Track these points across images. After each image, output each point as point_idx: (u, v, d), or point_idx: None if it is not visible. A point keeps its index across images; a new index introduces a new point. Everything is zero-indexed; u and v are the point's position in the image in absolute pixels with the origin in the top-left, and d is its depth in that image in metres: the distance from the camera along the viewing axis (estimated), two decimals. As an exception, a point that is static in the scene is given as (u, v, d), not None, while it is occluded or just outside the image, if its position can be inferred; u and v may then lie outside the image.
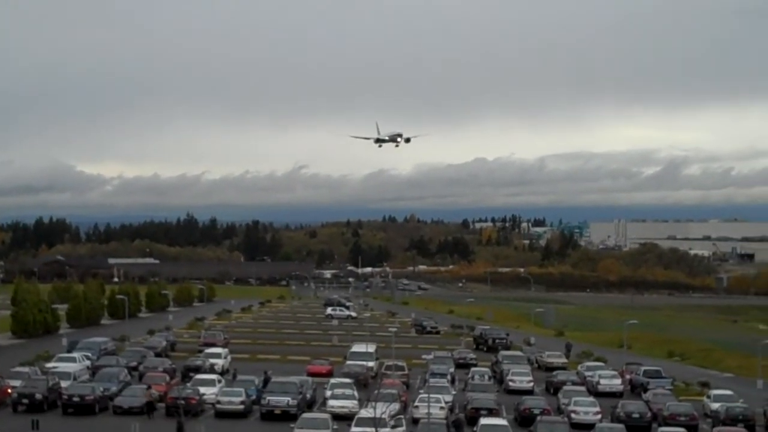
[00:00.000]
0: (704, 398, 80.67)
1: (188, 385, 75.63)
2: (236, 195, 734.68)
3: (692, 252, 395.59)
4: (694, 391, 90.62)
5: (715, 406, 74.84)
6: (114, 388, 74.34)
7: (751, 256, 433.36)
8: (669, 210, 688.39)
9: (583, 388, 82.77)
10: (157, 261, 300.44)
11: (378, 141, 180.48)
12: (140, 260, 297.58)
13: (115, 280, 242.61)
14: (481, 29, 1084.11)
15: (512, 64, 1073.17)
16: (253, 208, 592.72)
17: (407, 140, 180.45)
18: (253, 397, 73.52)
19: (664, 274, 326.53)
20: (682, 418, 69.58)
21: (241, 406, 70.64)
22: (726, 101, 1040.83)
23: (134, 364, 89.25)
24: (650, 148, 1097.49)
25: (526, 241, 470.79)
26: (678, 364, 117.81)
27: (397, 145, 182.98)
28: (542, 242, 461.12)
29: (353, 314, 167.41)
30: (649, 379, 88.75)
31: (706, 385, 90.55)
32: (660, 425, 67.86)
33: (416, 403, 69.70)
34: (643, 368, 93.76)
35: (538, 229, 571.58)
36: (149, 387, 73.44)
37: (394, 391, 70.29)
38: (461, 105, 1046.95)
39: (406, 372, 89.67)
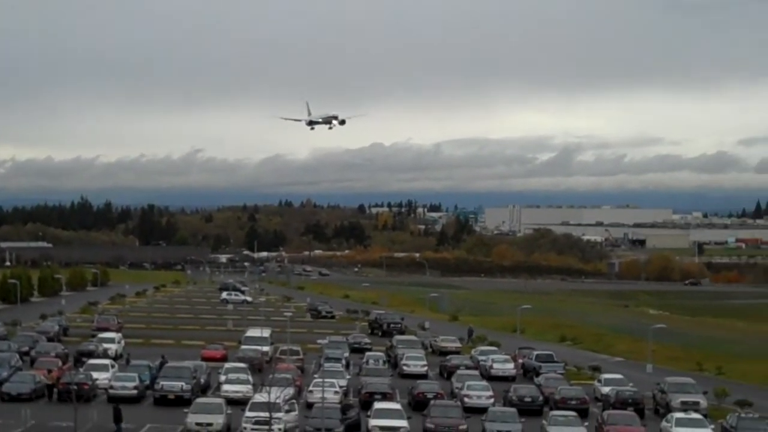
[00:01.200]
0: (595, 382, 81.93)
1: (81, 370, 74.88)
2: (131, 178, 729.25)
3: (585, 238, 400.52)
4: (585, 375, 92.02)
5: (606, 389, 75.98)
6: (5, 374, 73.28)
7: (642, 242, 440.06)
8: (563, 196, 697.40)
9: (476, 373, 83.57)
10: (50, 245, 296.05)
11: (311, 123, 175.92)
12: (32, 244, 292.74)
13: (7, 264, 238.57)
14: (379, 14, 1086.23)
15: (410, 50, 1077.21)
16: (149, 191, 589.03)
17: (342, 122, 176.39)
18: (147, 382, 73.07)
19: (558, 260, 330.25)
20: (573, 402, 70.60)
21: (135, 391, 70.10)
22: (619, 89, 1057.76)
23: (26, 349, 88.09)
24: (545, 135, 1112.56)
25: (422, 227, 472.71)
26: (570, 349, 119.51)
27: (330, 128, 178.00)
28: (438, 227, 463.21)
29: (248, 299, 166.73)
30: (542, 363, 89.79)
31: (597, 369, 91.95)
32: (551, 409, 68.75)
33: (311, 388, 69.77)
34: (535, 353, 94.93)
35: (434, 215, 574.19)
36: (50, 371, 72.80)
37: (288, 376, 70.34)
38: (358, 90, 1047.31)
39: (301, 357, 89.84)
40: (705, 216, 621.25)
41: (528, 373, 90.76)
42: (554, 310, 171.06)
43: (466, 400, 70.82)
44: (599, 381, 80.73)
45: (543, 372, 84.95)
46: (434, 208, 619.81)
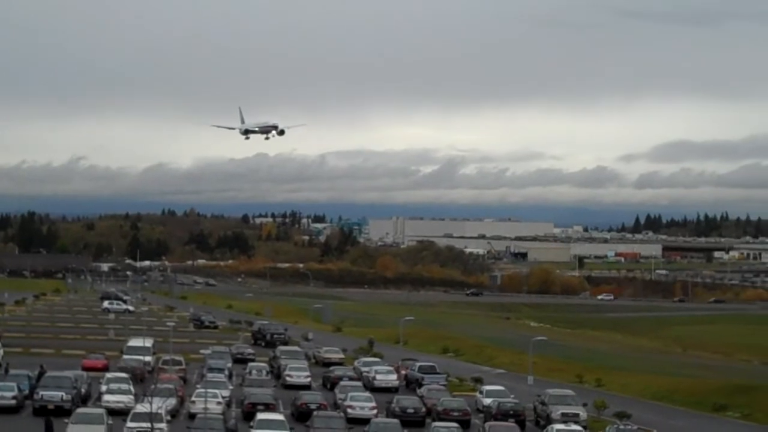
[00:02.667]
0: (477, 394, 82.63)
1: (-42, 380, 73.42)
2: (11, 185, 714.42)
3: (467, 250, 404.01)
4: (467, 386, 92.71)
5: (487, 401, 76.66)
6: None
7: (524, 255, 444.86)
8: (446, 208, 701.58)
9: (359, 384, 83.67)
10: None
11: (246, 133, 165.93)
12: None
13: None
14: (264, 24, 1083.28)
15: (293, 61, 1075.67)
16: (29, 198, 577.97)
17: (281, 132, 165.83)
18: (26, 391, 71.91)
19: (441, 272, 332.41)
20: (455, 413, 71.08)
21: (13, 401, 68.96)
22: (502, 104, 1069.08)
23: None
24: (429, 148, 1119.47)
25: (306, 237, 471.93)
26: (452, 360, 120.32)
27: (267, 138, 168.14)
28: (322, 238, 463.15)
29: (130, 308, 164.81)
30: (424, 374, 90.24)
31: (478, 380, 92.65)
32: (434, 420, 69.16)
33: (193, 398, 69.37)
34: (418, 364, 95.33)
35: (318, 225, 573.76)
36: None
37: (170, 386, 69.86)
38: (242, 100, 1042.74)
39: (184, 367, 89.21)
40: (585, 230, 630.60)
41: (411, 384, 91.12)
42: (437, 322, 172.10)
43: (349, 411, 70.93)
44: (481, 392, 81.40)
45: (425, 383, 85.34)
46: (318, 219, 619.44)
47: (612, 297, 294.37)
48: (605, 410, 77.49)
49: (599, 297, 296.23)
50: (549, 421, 70.00)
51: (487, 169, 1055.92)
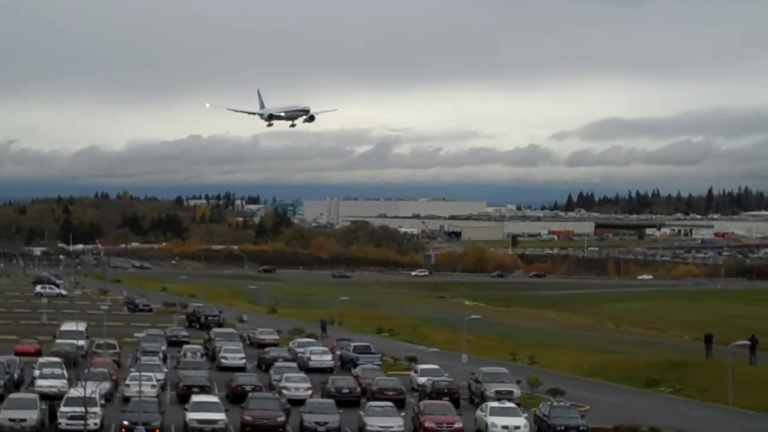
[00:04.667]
0: (411, 373, 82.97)
1: None
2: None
3: (402, 230, 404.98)
4: (402, 365, 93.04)
5: (422, 380, 77.06)
6: None
7: (458, 234, 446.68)
8: (380, 188, 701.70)
9: (294, 365, 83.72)
10: None
11: (270, 118, 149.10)
12: None
13: None
14: (192, 3, 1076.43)
15: (224, 42, 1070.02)
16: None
17: (311, 118, 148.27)
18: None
19: (375, 252, 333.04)
20: (390, 393, 71.41)
21: (-56, 388, 68.38)
22: (436, 84, 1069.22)
23: None
24: (363, 128, 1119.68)
25: (240, 219, 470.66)
26: (387, 340, 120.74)
27: (293, 125, 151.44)
28: (256, 220, 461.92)
29: (63, 292, 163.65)
30: (359, 354, 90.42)
31: (413, 359, 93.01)
32: (369, 400, 69.39)
33: (127, 382, 69.12)
34: (353, 344, 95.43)
35: (252, 207, 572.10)
36: None
37: (104, 370, 69.56)
38: (175, 82, 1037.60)
39: (118, 350, 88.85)
40: (519, 208, 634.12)
41: (345, 364, 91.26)
42: (372, 302, 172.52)
43: (284, 392, 70.96)
44: (415, 371, 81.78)
45: (360, 363, 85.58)
46: (252, 201, 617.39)
47: (543, 274, 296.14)
48: (539, 387, 78.16)
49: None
50: (483, 398, 70.45)
51: (421, 148, 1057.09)
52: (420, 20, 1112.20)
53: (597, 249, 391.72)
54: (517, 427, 61.12)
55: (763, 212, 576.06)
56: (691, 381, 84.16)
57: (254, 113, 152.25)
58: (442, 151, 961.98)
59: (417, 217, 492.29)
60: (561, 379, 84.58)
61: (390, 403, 64.92)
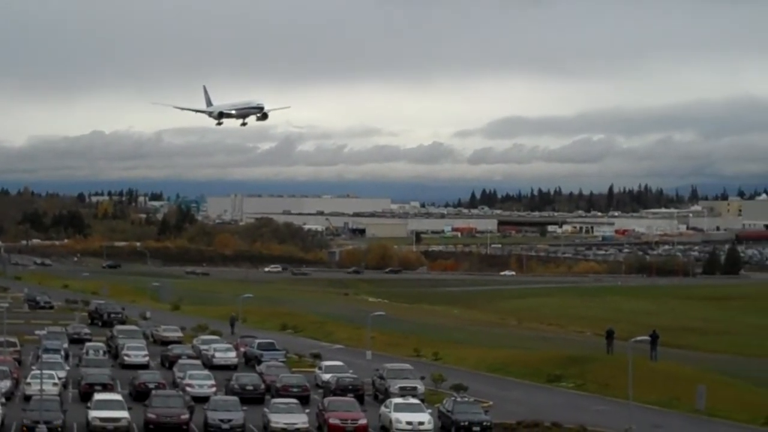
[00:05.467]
0: (316, 369, 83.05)
1: None
2: None
3: (306, 227, 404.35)
4: (306, 362, 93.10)
5: (326, 377, 77.19)
6: None
7: (362, 231, 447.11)
8: (284, 185, 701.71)
9: (198, 362, 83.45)
10: None
11: (221, 116, 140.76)
12: None
13: None
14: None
15: (129, 36, 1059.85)
16: None
17: (264, 116, 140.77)
18: None
19: (280, 248, 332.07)
20: (295, 390, 71.43)
21: None
22: (340, 81, 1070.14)
23: None
24: (266, 125, 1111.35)
25: (143, 215, 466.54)
26: (291, 337, 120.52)
27: (244, 124, 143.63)
28: (159, 216, 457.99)
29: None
30: (263, 351, 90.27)
31: (317, 356, 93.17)
32: (273, 396, 69.35)
33: (29, 380, 68.30)
34: (257, 341, 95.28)
35: (156, 203, 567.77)
36: None
37: (5, 368, 68.68)
38: (77, 76, 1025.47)
39: (18, 348, 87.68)
40: (422, 206, 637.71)
41: (250, 361, 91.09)
42: (276, 299, 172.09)
43: (188, 389, 70.68)
44: (320, 368, 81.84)
45: (264, 360, 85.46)
46: (156, 197, 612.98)
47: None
48: (443, 383, 78.62)
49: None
50: (387, 395, 70.78)
51: (325, 145, 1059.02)
52: (324, 17, 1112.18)
53: (500, 246, 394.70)
54: (421, 423, 61.54)
55: (663, 210, 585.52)
56: (593, 376, 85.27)
57: (202, 111, 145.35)
58: (346, 149, 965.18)
59: (321, 214, 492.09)
60: (464, 375, 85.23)
61: (294, 400, 65.01)
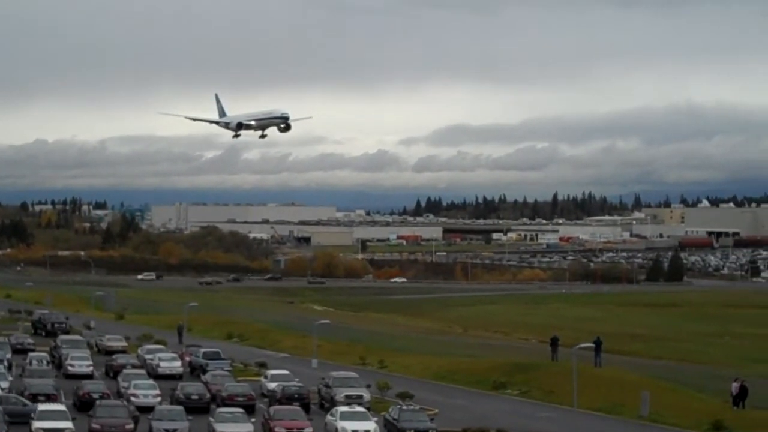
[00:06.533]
0: (261, 378, 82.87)
1: None
2: None
3: (251, 235, 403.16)
4: (251, 371, 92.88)
5: (272, 385, 77.03)
6: None
7: (307, 240, 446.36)
8: (229, 194, 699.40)
9: (142, 371, 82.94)
10: None
11: (239, 128, 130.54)
12: None
13: None
14: (48, 8, 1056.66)
15: (76, 46, 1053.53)
16: None
17: (287, 127, 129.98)
18: None
19: (225, 257, 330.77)
20: (240, 399, 71.28)
21: None
22: (285, 89, 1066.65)
23: None
24: (211, 133, 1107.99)
25: (87, 224, 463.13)
26: (237, 345, 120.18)
27: (263, 136, 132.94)
28: (103, 225, 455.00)
29: None
30: (208, 360, 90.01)
31: (263, 365, 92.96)
32: (218, 406, 69.13)
33: (-30, 391, 67.65)
34: (202, 350, 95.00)
35: (100, 212, 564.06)
36: None
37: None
38: (21, 85, 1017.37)
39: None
40: (368, 214, 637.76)
41: (195, 370, 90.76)
42: (221, 308, 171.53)
43: (132, 399, 70.32)
44: (265, 377, 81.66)
45: (210, 369, 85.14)
46: (100, 206, 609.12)
47: (405, 280, 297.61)
48: (388, 391, 78.77)
49: (392, 280, 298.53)
50: (333, 403, 70.79)
51: (270, 154, 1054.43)
52: (272, 25, 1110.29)
53: (445, 254, 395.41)
54: (367, 431, 61.60)
55: (606, 217, 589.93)
56: (538, 383, 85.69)
57: (217, 122, 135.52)
58: (291, 157, 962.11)
59: (266, 222, 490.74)
60: (410, 383, 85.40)
61: (240, 409, 64.85)
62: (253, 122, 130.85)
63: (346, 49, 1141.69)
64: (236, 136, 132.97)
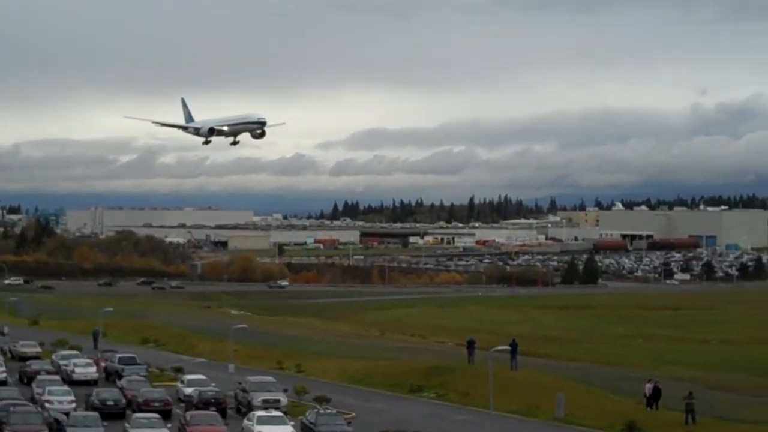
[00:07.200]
0: (178, 383, 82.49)
1: None
2: None
3: (168, 239, 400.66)
4: (168, 376, 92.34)
5: (188, 390, 76.71)
6: None
7: (224, 244, 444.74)
8: (145, 198, 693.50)
9: (57, 377, 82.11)
10: None
11: (211, 133, 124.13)
12: None
13: None
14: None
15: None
16: None
17: (261, 134, 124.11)
18: None
19: (141, 262, 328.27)
20: (156, 404, 70.91)
21: None
22: (201, 92, 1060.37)
23: None
24: (128, 137, 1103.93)
25: (1, 229, 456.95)
26: (153, 351, 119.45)
27: (235, 142, 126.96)
28: (17, 230, 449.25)
29: None
30: (124, 366, 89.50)
31: (179, 370, 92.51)
32: (134, 411, 68.71)
33: None
34: (117, 355, 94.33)
35: (13, 217, 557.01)
36: None
37: None
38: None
39: None
40: (285, 217, 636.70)
41: (110, 376, 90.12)
42: (137, 313, 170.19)
43: (47, 405, 69.60)
44: (182, 382, 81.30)
45: (125, 375, 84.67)
46: (13, 210, 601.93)
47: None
48: (305, 395, 78.74)
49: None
50: (250, 407, 70.65)
51: (187, 158, 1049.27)
52: (189, 28, 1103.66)
53: (362, 257, 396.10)
54: (284, 435, 61.62)
55: (522, 220, 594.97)
56: (454, 386, 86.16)
57: (185, 127, 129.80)
58: (208, 161, 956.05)
59: (183, 226, 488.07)
60: (327, 387, 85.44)
61: (156, 415, 64.51)
62: (225, 128, 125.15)
63: (262, 52, 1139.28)
64: (206, 142, 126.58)
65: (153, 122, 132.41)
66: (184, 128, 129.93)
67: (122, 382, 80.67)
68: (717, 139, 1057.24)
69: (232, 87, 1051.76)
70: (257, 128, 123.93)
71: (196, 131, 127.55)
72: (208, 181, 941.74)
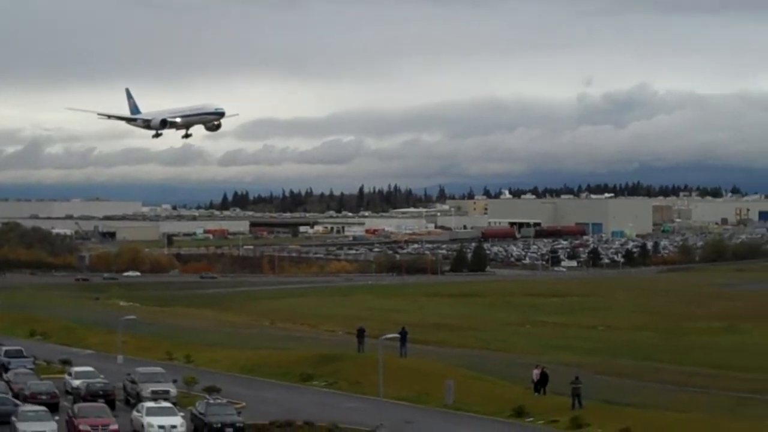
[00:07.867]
0: (66, 376, 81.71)
1: None
2: None
3: (54, 231, 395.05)
4: (56, 369, 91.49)
5: (77, 383, 76.07)
6: None
7: (113, 234, 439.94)
8: (32, 189, 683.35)
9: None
10: None
11: (164, 125, 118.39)
12: None
13: None
14: None
15: None
16: None
17: (218, 126, 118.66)
18: None
19: (27, 254, 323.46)
20: (44, 397, 70.25)
21: None
22: (89, 84, 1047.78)
23: None
24: (13, 127, 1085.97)
25: None
26: (40, 343, 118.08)
27: (187, 135, 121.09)
28: None
29: None
30: (11, 359, 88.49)
31: (67, 362, 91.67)
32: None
33: None
34: (3, 348, 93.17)
35: None
36: None
37: None
38: None
39: None
40: (174, 208, 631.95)
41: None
42: (24, 305, 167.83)
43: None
44: (70, 374, 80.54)
45: (12, 368, 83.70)
46: None
47: (214, 276, 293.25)
48: (195, 385, 78.66)
49: (201, 275, 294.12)
50: (139, 399, 70.33)
51: (74, 148, 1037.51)
52: (77, 18, 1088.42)
53: (252, 247, 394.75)
54: (174, 426, 61.43)
55: (411, 209, 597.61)
56: (344, 374, 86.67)
57: (133, 119, 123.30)
58: (96, 151, 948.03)
59: (70, 217, 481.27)
60: (217, 377, 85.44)
61: (43, 408, 63.86)
62: (178, 119, 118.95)
63: (153, 43, 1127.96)
64: (157, 135, 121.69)
65: (99, 114, 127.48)
66: (132, 120, 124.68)
67: (9, 375, 79.77)
68: (602, 128, 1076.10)
69: (115, 78, 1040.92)
70: (215, 119, 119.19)
71: (146, 124, 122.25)
72: (95, 172, 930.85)
